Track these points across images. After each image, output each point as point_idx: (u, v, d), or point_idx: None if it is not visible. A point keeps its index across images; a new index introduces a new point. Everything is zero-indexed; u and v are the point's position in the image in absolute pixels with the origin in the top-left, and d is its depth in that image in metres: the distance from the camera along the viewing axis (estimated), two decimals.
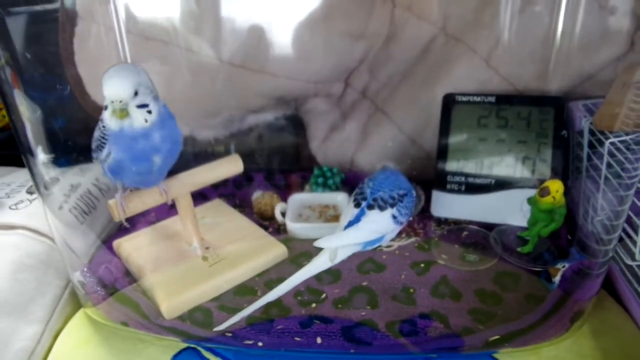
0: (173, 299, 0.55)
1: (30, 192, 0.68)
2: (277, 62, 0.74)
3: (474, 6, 0.68)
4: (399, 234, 0.62)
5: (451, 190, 0.68)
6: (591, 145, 0.60)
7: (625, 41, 0.66)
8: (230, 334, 0.52)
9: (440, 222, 0.68)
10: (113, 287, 0.60)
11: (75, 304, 0.60)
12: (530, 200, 0.60)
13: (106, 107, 0.49)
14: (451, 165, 0.68)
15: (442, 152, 0.69)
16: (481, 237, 0.64)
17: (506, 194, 0.65)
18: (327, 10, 0.70)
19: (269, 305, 0.54)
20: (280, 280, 0.54)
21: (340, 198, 0.72)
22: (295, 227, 0.66)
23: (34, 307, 0.55)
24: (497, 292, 0.55)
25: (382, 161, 0.68)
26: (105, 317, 0.56)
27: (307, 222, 0.69)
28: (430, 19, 0.71)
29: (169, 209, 0.66)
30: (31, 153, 0.56)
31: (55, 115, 0.63)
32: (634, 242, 0.57)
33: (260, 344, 0.51)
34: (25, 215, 0.63)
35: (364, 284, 0.57)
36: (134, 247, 0.64)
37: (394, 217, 0.56)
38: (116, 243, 0.65)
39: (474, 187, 0.67)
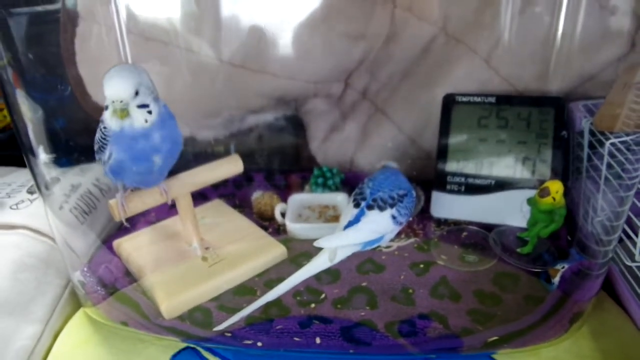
0: (173, 299, 0.55)
1: (30, 192, 0.68)
2: (277, 63, 0.74)
3: (475, 7, 0.68)
4: (399, 235, 0.62)
5: (451, 191, 0.68)
6: (591, 146, 0.59)
7: (626, 42, 0.66)
8: (229, 334, 0.52)
9: (440, 222, 0.68)
10: (113, 286, 0.60)
11: (75, 303, 0.60)
12: (530, 201, 0.60)
13: (107, 108, 0.50)
14: (451, 166, 0.68)
15: (442, 153, 0.69)
16: (481, 237, 0.64)
17: (506, 195, 0.65)
18: (327, 11, 0.70)
19: (268, 305, 0.54)
20: (280, 280, 0.54)
21: (340, 198, 0.72)
22: (294, 228, 0.66)
23: (34, 307, 0.55)
24: (497, 293, 0.55)
25: (382, 161, 0.68)
26: (105, 317, 0.56)
27: (306, 223, 0.69)
28: (431, 20, 0.71)
29: (169, 209, 0.66)
30: (32, 153, 0.56)
31: (56, 116, 0.63)
32: (634, 243, 0.57)
33: (259, 344, 0.51)
34: (26, 215, 0.63)
35: (364, 284, 0.57)
36: (134, 247, 0.64)
37: (394, 217, 0.56)
38: (116, 243, 0.65)
39: (473, 187, 0.67)
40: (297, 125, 0.82)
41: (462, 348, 0.50)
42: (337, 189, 0.74)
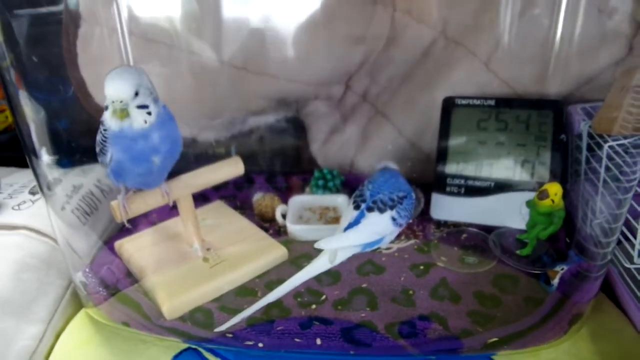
0: (174, 299, 0.55)
1: (32, 193, 0.68)
2: (278, 65, 0.74)
3: (474, 10, 0.69)
4: (399, 236, 0.62)
5: (451, 193, 0.68)
6: (590, 149, 0.60)
7: (624, 45, 0.66)
8: (230, 335, 0.52)
9: (440, 224, 0.68)
10: (114, 287, 0.60)
11: (77, 304, 0.60)
12: (529, 203, 0.60)
13: (107, 108, 0.50)
14: (451, 168, 0.69)
15: (442, 155, 0.69)
16: (480, 239, 0.65)
17: (505, 197, 0.66)
18: (328, 14, 0.70)
19: (269, 306, 0.54)
20: (281, 281, 0.55)
21: (340, 200, 0.72)
22: (295, 229, 0.66)
23: (36, 307, 0.55)
24: (496, 295, 0.55)
25: (382, 161, 0.68)
26: (107, 318, 0.56)
27: (307, 224, 0.69)
28: (430, 23, 0.72)
29: (170, 210, 0.66)
30: (35, 154, 0.56)
31: (58, 117, 0.63)
32: (633, 245, 0.57)
33: (260, 344, 0.51)
34: (27, 215, 0.63)
35: (364, 285, 0.58)
36: (136, 248, 0.64)
37: (394, 219, 0.57)
38: (118, 244, 0.66)
39: (473, 189, 0.67)
40: (297, 127, 0.82)
41: (462, 349, 0.50)
42: (337, 190, 0.74)
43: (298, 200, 0.73)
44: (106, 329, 0.56)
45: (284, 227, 0.68)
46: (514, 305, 0.54)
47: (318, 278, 0.57)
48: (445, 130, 0.70)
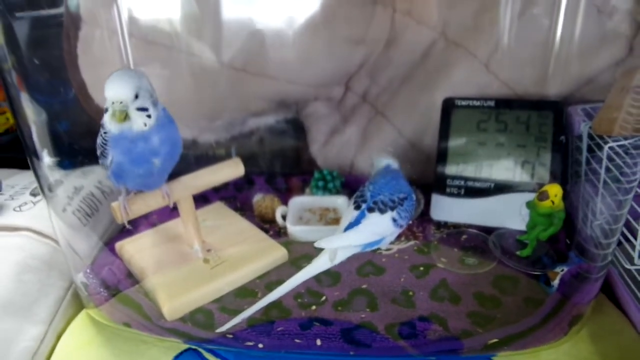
0: (175, 300, 0.55)
1: (33, 194, 0.68)
2: (278, 66, 0.74)
3: (474, 11, 0.69)
4: (399, 237, 0.63)
5: (451, 194, 0.68)
6: (590, 150, 0.60)
7: (624, 46, 0.66)
8: (231, 336, 0.52)
9: (440, 225, 0.68)
10: (115, 288, 0.60)
11: (78, 305, 0.60)
12: (529, 204, 0.60)
13: (106, 110, 0.50)
14: (451, 169, 0.69)
15: (442, 156, 0.69)
16: (480, 240, 0.65)
17: (505, 198, 0.66)
18: (328, 15, 0.70)
19: (269, 307, 0.54)
20: (281, 282, 0.55)
21: (340, 201, 0.72)
22: (295, 230, 0.67)
23: (37, 308, 0.55)
24: (496, 296, 0.55)
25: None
26: (108, 318, 0.56)
27: (307, 225, 0.69)
28: (430, 24, 0.72)
29: (170, 212, 0.66)
30: (36, 155, 0.56)
31: (59, 119, 0.63)
32: (633, 246, 0.57)
33: (260, 345, 0.51)
34: (29, 217, 0.63)
35: (364, 286, 0.58)
36: (136, 249, 0.64)
37: (394, 220, 0.57)
38: (118, 245, 0.66)
39: (473, 190, 0.67)
40: (297, 128, 0.82)
41: (462, 350, 0.50)
42: (337, 192, 0.74)
43: (298, 202, 0.73)
44: (107, 329, 0.56)
45: (284, 228, 0.68)
46: (514, 306, 0.54)
47: (318, 279, 0.57)
48: (445, 131, 0.70)
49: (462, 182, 0.68)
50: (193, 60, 0.74)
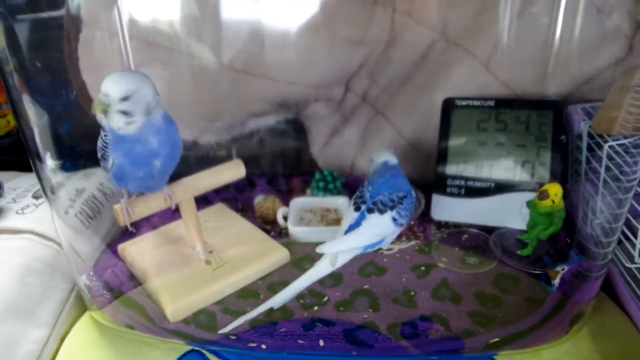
0: (177, 302, 0.55)
1: (36, 197, 0.68)
2: (278, 67, 0.74)
3: (473, 11, 0.69)
4: (399, 237, 0.63)
5: (451, 194, 0.68)
6: (590, 149, 0.60)
7: (623, 45, 0.66)
8: (234, 337, 0.53)
9: (440, 225, 0.68)
10: (118, 290, 0.60)
11: (81, 307, 0.60)
12: (530, 204, 0.60)
13: None
14: (451, 169, 0.69)
15: (442, 156, 0.70)
16: (481, 240, 0.65)
17: (506, 198, 0.66)
18: (328, 16, 0.70)
19: (272, 308, 0.54)
20: (283, 283, 0.55)
21: (341, 202, 0.73)
22: (297, 231, 0.67)
23: (40, 311, 0.56)
24: (497, 295, 0.56)
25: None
26: (111, 321, 0.57)
27: (308, 226, 0.69)
28: (430, 24, 0.72)
29: (172, 214, 0.66)
30: (39, 158, 0.57)
31: (61, 121, 0.63)
32: (633, 245, 0.57)
33: (263, 346, 0.51)
34: (31, 219, 0.64)
35: (366, 287, 0.58)
36: (139, 251, 0.64)
37: (394, 219, 0.57)
38: (121, 247, 0.66)
39: (473, 190, 0.68)
40: (298, 129, 0.82)
41: (463, 350, 0.51)
42: (338, 192, 0.74)
43: (299, 202, 0.73)
44: (110, 331, 0.56)
45: (286, 229, 0.68)
46: (515, 305, 0.54)
47: (320, 280, 0.57)
48: (445, 131, 0.70)
49: (463, 182, 0.68)
50: (193, 62, 0.74)
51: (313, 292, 0.57)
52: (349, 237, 0.55)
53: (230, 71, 0.74)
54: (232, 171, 0.64)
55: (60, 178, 0.62)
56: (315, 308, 0.55)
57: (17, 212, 0.65)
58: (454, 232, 0.67)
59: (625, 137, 0.54)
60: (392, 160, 0.61)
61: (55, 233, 0.60)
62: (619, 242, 0.58)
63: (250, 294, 0.58)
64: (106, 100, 0.49)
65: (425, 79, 0.74)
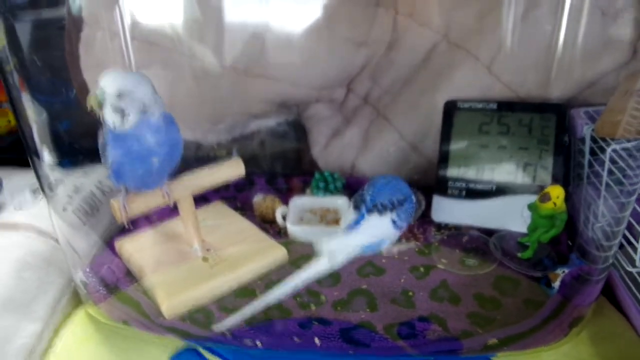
0: (173, 298, 0.55)
1: (34, 193, 0.68)
2: (279, 68, 0.74)
3: (476, 13, 0.69)
4: (399, 239, 0.62)
5: (452, 196, 0.68)
6: (592, 152, 0.60)
7: (627, 49, 0.66)
8: (229, 334, 0.52)
9: (441, 227, 0.68)
10: (114, 286, 0.60)
11: (77, 302, 0.60)
12: (531, 206, 0.60)
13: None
14: (452, 171, 0.69)
15: (444, 158, 0.69)
16: (481, 242, 0.64)
17: (507, 200, 0.65)
18: (330, 17, 0.71)
19: (269, 306, 0.54)
20: (281, 282, 0.55)
21: (340, 202, 0.72)
22: (295, 230, 0.66)
23: (36, 306, 0.55)
24: (497, 297, 0.55)
25: (383, 166, 0.66)
26: (107, 316, 0.56)
27: (307, 226, 0.69)
28: (432, 26, 0.72)
29: (170, 211, 0.66)
30: (37, 155, 0.57)
31: (60, 119, 0.64)
32: (635, 249, 0.57)
33: (259, 344, 0.51)
34: (29, 215, 0.64)
35: (364, 287, 0.57)
36: (136, 248, 0.64)
37: (394, 221, 0.56)
38: (118, 244, 0.66)
39: (474, 192, 0.67)
40: (299, 130, 0.82)
41: (461, 350, 0.50)
42: (338, 193, 0.74)
43: (299, 202, 0.73)
44: (106, 327, 0.56)
45: (284, 228, 0.68)
46: (514, 307, 0.54)
47: (318, 279, 0.56)
48: (447, 134, 0.70)
49: (464, 184, 0.68)
50: (195, 63, 0.74)
51: (310, 291, 0.57)
52: (347, 236, 0.55)
53: (231, 72, 0.74)
54: (232, 170, 0.64)
55: (59, 175, 0.62)
56: (313, 307, 0.55)
57: (15, 208, 0.65)
58: (454, 234, 0.66)
59: (628, 141, 0.54)
60: None
61: (53, 229, 0.60)
62: (620, 246, 0.57)
63: (247, 293, 0.58)
64: (101, 95, 0.50)
65: (427, 81, 0.74)
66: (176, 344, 0.53)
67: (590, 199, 0.59)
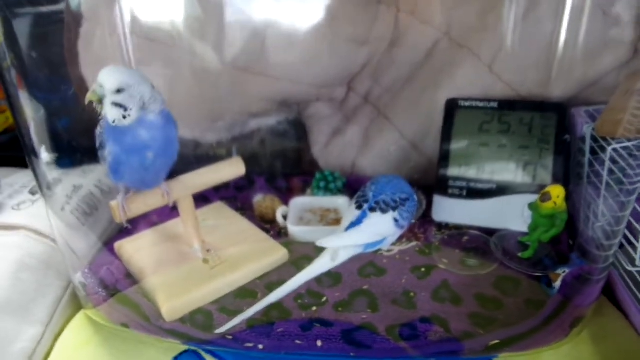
0: (174, 301, 0.55)
1: (32, 193, 0.68)
2: (280, 66, 0.74)
3: (478, 11, 0.69)
4: (400, 238, 0.62)
5: (452, 195, 0.68)
6: (593, 152, 0.60)
7: (628, 48, 0.66)
8: (230, 337, 0.52)
9: (441, 226, 0.68)
10: (114, 288, 0.60)
11: (76, 305, 0.60)
12: (532, 206, 0.60)
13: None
14: (453, 170, 0.68)
15: (444, 157, 0.69)
16: (482, 242, 0.64)
17: (507, 199, 0.65)
18: (331, 15, 0.70)
19: (269, 308, 0.54)
20: (282, 283, 0.55)
21: (341, 202, 0.72)
22: (296, 230, 0.66)
23: (35, 308, 0.55)
24: (498, 297, 0.55)
25: (384, 166, 0.66)
26: (106, 319, 0.56)
27: (308, 226, 0.69)
28: (434, 24, 0.71)
29: (170, 211, 0.66)
30: (35, 154, 0.56)
31: (59, 116, 0.63)
32: (635, 248, 0.57)
33: (260, 346, 0.51)
34: (27, 216, 0.63)
35: (365, 287, 0.57)
36: (135, 249, 0.64)
37: (396, 220, 0.56)
38: (117, 245, 0.65)
39: (475, 192, 0.67)
40: (299, 129, 0.82)
41: (463, 351, 0.50)
42: (339, 192, 0.74)
43: (299, 202, 0.72)
44: (105, 330, 0.55)
45: (285, 228, 0.68)
46: (515, 307, 0.54)
47: (319, 279, 0.56)
48: (447, 132, 0.69)
49: (464, 184, 0.67)
50: (195, 60, 0.74)
51: (311, 292, 0.57)
52: (350, 233, 0.55)
53: (232, 70, 0.73)
54: (232, 169, 0.63)
55: (57, 174, 0.62)
56: (314, 308, 0.55)
57: (13, 208, 0.64)
58: (455, 234, 0.66)
59: (629, 140, 0.54)
60: None
61: (51, 230, 0.59)
62: (621, 245, 0.57)
63: (248, 294, 0.58)
64: (100, 90, 0.50)
65: (428, 80, 0.73)
66: (177, 346, 0.52)
67: (591, 198, 0.59)
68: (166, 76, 0.74)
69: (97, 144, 0.54)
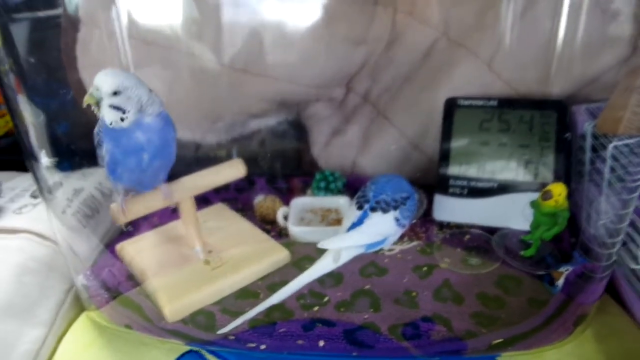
0: (176, 302, 0.55)
1: (34, 197, 0.68)
2: (279, 67, 0.74)
3: (476, 10, 0.69)
4: (402, 238, 0.62)
5: (453, 194, 0.68)
6: (594, 149, 0.59)
7: (628, 45, 0.66)
8: (232, 337, 0.52)
9: (443, 226, 0.68)
10: (116, 290, 0.60)
11: (79, 307, 0.60)
12: (533, 204, 0.60)
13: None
14: (453, 169, 0.68)
15: (445, 156, 0.69)
16: (483, 240, 0.64)
17: (509, 198, 0.65)
18: (329, 15, 0.70)
19: (271, 308, 0.54)
20: (283, 283, 0.55)
21: (342, 202, 0.72)
22: (297, 231, 0.66)
23: (38, 311, 0.55)
24: (500, 296, 0.55)
25: (384, 165, 0.66)
26: (109, 320, 0.56)
27: (309, 226, 0.69)
28: (432, 24, 0.71)
29: (171, 213, 0.66)
30: (35, 158, 0.56)
31: (58, 120, 0.63)
32: (638, 246, 0.57)
33: (262, 346, 0.51)
34: (29, 219, 0.63)
35: (367, 287, 0.57)
36: (137, 251, 0.64)
37: (397, 219, 0.56)
38: (119, 246, 0.65)
39: (476, 191, 0.67)
40: (299, 129, 0.82)
41: (465, 351, 0.50)
42: (339, 192, 0.74)
43: (300, 202, 0.72)
44: (108, 331, 0.55)
45: (286, 229, 0.68)
46: (518, 306, 0.54)
47: (320, 280, 0.56)
48: (447, 132, 0.69)
49: (465, 182, 0.67)
50: (193, 62, 0.74)
51: (313, 292, 0.57)
52: (352, 234, 0.55)
53: (230, 71, 0.73)
54: (232, 170, 0.63)
55: (58, 178, 0.62)
56: (316, 308, 0.55)
57: (14, 212, 0.64)
58: (456, 233, 0.66)
59: (630, 137, 0.54)
60: None
61: (53, 233, 0.59)
62: (624, 243, 0.57)
63: (249, 294, 0.58)
64: (97, 94, 0.50)
65: (427, 79, 0.73)
66: (179, 347, 0.52)
67: (592, 196, 0.58)
68: (165, 78, 0.74)
69: (95, 142, 0.55)
